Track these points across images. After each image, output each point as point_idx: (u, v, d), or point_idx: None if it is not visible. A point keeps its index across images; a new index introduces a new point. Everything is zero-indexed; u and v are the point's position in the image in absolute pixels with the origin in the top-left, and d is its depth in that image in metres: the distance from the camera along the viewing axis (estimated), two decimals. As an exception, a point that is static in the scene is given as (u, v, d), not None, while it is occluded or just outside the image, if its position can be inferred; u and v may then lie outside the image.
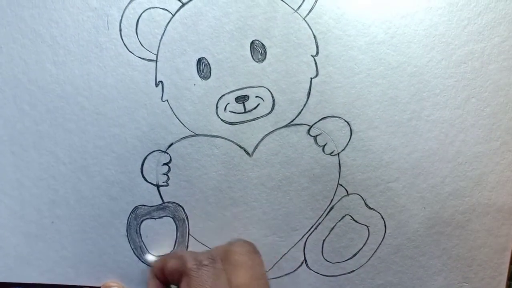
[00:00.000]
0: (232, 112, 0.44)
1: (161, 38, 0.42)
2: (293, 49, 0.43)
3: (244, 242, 0.37)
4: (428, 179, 0.46)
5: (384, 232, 0.46)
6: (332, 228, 0.46)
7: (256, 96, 0.44)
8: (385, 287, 0.47)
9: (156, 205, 0.44)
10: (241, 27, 0.43)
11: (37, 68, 0.42)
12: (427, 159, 0.45)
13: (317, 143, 0.45)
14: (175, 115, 0.43)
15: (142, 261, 0.45)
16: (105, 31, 0.42)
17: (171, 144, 0.44)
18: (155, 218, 0.45)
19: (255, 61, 0.43)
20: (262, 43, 0.43)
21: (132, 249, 0.45)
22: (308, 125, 0.44)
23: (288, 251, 0.46)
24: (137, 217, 0.44)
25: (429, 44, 0.44)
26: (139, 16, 0.42)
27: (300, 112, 0.44)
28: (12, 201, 0.44)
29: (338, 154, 0.45)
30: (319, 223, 0.46)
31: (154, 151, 0.44)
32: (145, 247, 0.45)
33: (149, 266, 0.44)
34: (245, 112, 0.44)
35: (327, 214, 0.46)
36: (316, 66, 0.44)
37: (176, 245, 0.45)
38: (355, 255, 0.47)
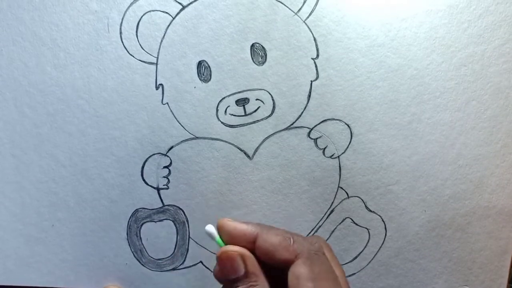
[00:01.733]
0: (232, 115, 0.44)
1: (162, 41, 0.42)
2: (294, 52, 0.43)
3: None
4: (429, 182, 0.46)
5: (384, 235, 0.46)
6: (333, 231, 0.46)
7: (257, 99, 0.43)
8: (385, 290, 0.47)
9: (156, 208, 0.44)
10: (242, 30, 0.43)
11: (38, 71, 0.42)
12: (427, 162, 0.45)
13: (317, 146, 0.45)
14: (175, 118, 0.43)
15: (142, 264, 0.45)
16: (106, 34, 0.42)
17: (172, 147, 0.44)
18: (155, 221, 0.45)
19: (255, 64, 0.43)
20: (262, 46, 0.43)
21: (132, 252, 0.45)
22: (308, 128, 0.44)
23: (289, 254, 0.46)
24: (137, 220, 0.44)
25: (430, 47, 0.44)
26: (140, 19, 0.42)
27: (300, 115, 0.44)
28: (13, 203, 0.44)
29: (339, 156, 0.45)
30: (320, 226, 0.46)
31: (154, 154, 0.44)
32: (145, 250, 0.45)
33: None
34: (246, 115, 0.44)
35: (327, 217, 0.46)
36: (317, 69, 0.44)
37: (176, 248, 0.45)
38: (355, 258, 0.47)
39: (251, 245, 0.33)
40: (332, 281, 0.32)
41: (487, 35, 0.44)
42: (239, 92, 0.43)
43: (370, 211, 0.46)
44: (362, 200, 0.46)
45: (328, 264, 0.33)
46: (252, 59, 0.43)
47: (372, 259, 0.47)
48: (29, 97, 0.42)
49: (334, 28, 0.43)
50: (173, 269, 0.45)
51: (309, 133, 0.44)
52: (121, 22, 0.42)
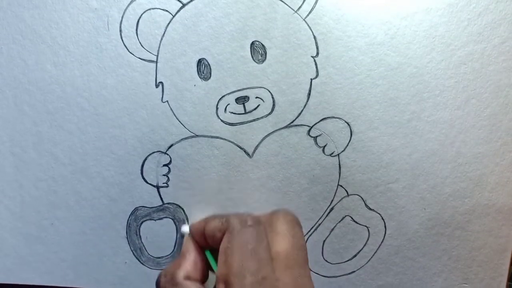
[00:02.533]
0: (232, 113, 0.44)
1: (161, 39, 0.42)
2: (293, 50, 0.43)
3: (288, 212, 0.37)
4: (428, 180, 0.46)
5: (384, 233, 0.46)
6: (332, 229, 0.46)
7: (256, 97, 0.43)
8: (385, 288, 0.47)
9: (156, 207, 0.44)
10: (241, 28, 0.43)
11: (37, 69, 0.42)
12: (427, 160, 0.45)
13: (317, 144, 0.45)
14: (175, 116, 0.43)
15: (141, 262, 0.45)
16: (105, 32, 0.42)
17: (171, 145, 0.44)
18: (155, 220, 0.45)
19: (255, 62, 0.43)
20: (262, 44, 0.43)
21: (132, 250, 0.45)
22: (308, 126, 0.44)
23: (288, 252, 0.46)
24: (137, 219, 0.44)
25: (429, 45, 0.44)
26: (139, 17, 0.42)
27: (300, 113, 0.44)
28: (12, 202, 0.43)
29: (338, 155, 0.45)
30: (319, 224, 0.46)
31: (154, 152, 0.44)
32: (145, 248, 0.45)
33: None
34: (245, 113, 0.44)
35: (327, 215, 0.46)
36: (316, 67, 0.44)
37: (176, 247, 0.45)
38: (355, 256, 0.47)
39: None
40: (250, 252, 0.33)
41: (486, 33, 0.44)
42: (239, 90, 0.43)
43: (370, 209, 0.46)
44: (362, 198, 0.46)
45: (250, 236, 0.33)
46: (252, 57, 0.43)
47: (372, 257, 0.47)
48: (28, 95, 0.42)
49: (334, 26, 0.43)
50: (173, 267, 0.45)
51: (309, 131, 0.44)
52: (121, 20, 0.42)
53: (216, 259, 0.35)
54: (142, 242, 0.45)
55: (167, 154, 0.44)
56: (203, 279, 0.38)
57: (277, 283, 0.32)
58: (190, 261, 0.38)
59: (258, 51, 0.43)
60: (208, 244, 0.38)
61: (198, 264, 0.38)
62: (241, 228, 0.34)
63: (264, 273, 0.32)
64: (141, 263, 0.45)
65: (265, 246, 0.34)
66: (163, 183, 0.44)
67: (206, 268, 0.38)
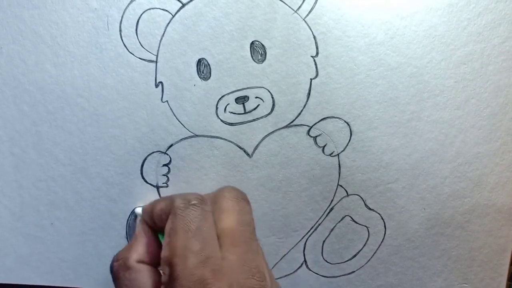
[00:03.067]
0: (232, 113, 0.44)
1: (161, 39, 0.42)
2: (293, 50, 0.43)
3: (232, 188, 0.37)
4: (428, 180, 0.46)
5: (384, 233, 0.46)
6: (332, 229, 0.46)
7: (256, 97, 0.43)
8: (385, 288, 0.47)
9: (156, 206, 0.44)
10: (241, 28, 0.43)
11: (37, 69, 0.42)
12: (427, 160, 0.45)
13: (317, 144, 0.45)
14: (175, 116, 0.43)
15: (141, 262, 0.45)
16: (105, 32, 0.42)
17: (171, 145, 0.44)
18: (154, 219, 0.45)
19: (255, 61, 0.43)
20: (262, 44, 0.43)
21: (132, 250, 0.45)
22: (308, 126, 0.44)
23: (288, 252, 0.46)
24: (137, 219, 0.44)
25: (429, 45, 0.44)
26: (139, 17, 0.42)
27: (300, 113, 0.44)
28: (12, 202, 0.43)
29: (338, 155, 0.45)
30: (319, 224, 0.46)
31: (153, 152, 0.44)
32: (145, 248, 0.45)
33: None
34: (245, 113, 0.44)
35: (327, 215, 0.46)
36: (316, 67, 0.44)
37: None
38: (355, 256, 0.47)
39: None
40: (193, 231, 0.32)
41: (486, 33, 0.44)
42: (239, 90, 0.43)
43: (370, 209, 0.46)
44: (362, 198, 0.46)
45: (193, 215, 0.33)
46: (252, 57, 0.43)
47: (372, 257, 0.47)
48: (28, 95, 0.42)
49: (334, 26, 0.43)
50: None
51: (308, 131, 0.44)
52: (121, 20, 0.42)
53: None
54: (142, 242, 0.45)
55: (167, 154, 0.44)
56: (157, 263, 0.37)
57: (222, 261, 0.31)
58: (142, 244, 0.37)
59: (258, 51, 0.43)
60: (158, 226, 0.37)
61: (151, 247, 0.37)
62: (184, 208, 0.34)
63: (208, 252, 0.31)
64: (141, 263, 0.45)
65: (210, 224, 0.33)
66: (163, 183, 0.44)
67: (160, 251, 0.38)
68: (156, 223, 0.37)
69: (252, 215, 0.36)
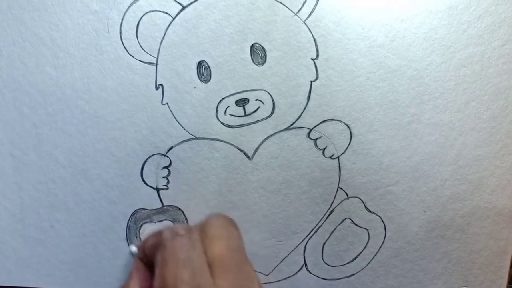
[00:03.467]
0: (232, 115, 0.44)
1: (161, 41, 0.42)
2: (293, 52, 0.43)
3: (220, 216, 0.37)
4: (428, 182, 0.46)
5: (384, 235, 0.46)
6: (332, 232, 0.46)
7: (256, 99, 0.43)
8: (385, 291, 0.47)
9: (156, 209, 0.44)
10: (241, 31, 0.43)
11: (37, 71, 0.42)
12: (427, 162, 0.45)
13: (317, 146, 0.45)
14: (175, 118, 0.43)
15: (141, 264, 0.45)
16: (105, 34, 0.42)
17: (171, 148, 0.44)
18: (155, 222, 0.45)
19: (255, 64, 0.43)
20: (262, 46, 0.43)
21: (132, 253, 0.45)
22: (308, 128, 0.44)
23: (288, 254, 0.46)
24: (136, 221, 0.44)
25: (429, 48, 0.44)
26: (140, 19, 0.42)
27: (300, 115, 0.44)
28: (12, 204, 0.43)
29: (338, 157, 0.45)
30: (319, 227, 0.46)
31: (154, 154, 0.44)
32: (145, 250, 0.45)
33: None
34: (245, 115, 0.44)
35: (327, 218, 0.46)
36: (316, 69, 0.44)
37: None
38: (355, 258, 0.47)
39: None
40: (182, 261, 0.32)
41: (486, 36, 0.44)
42: (239, 92, 0.43)
43: (370, 211, 0.46)
44: (362, 201, 0.46)
45: (181, 245, 0.33)
46: (252, 59, 0.43)
47: (372, 259, 0.47)
48: (28, 97, 0.42)
49: (334, 28, 0.43)
50: (173, 269, 0.45)
51: (308, 133, 0.44)
52: (121, 22, 0.42)
53: None
54: (141, 245, 0.45)
55: (167, 157, 0.44)
56: None
57: None
58: (137, 282, 0.37)
59: (258, 53, 0.43)
60: (151, 261, 0.37)
61: (146, 282, 0.37)
62: (172, 238, 0.34)
63: (199, 280, 0.31)
64: (141, 265, 0.45)
65: (199, 253, 0.33)
66: (163, 185, 0.44)
67: None
68: (149, 258, 0.37)
69: (242, 240, 0.36)
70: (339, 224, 0.46)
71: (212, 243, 0.34)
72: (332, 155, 0.45)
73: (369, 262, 0.47)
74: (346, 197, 0.46)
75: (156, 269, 0.33)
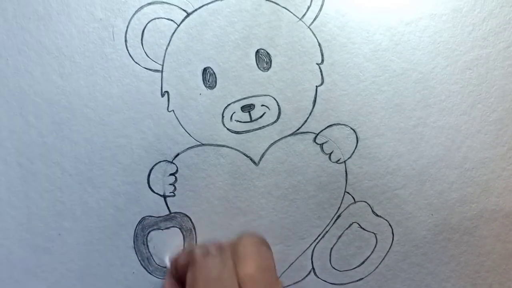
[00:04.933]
0: (238, 121, 0.44)
1: (167, 48, 0.42)
2: (298, 57, 0.43)
3: (252, 234, 0.37)
4: (435, 185, 0.46)
5: (391, 239, 0.46)
6: (340, 236, 0.46)
7: (262, 105, 0.44)
8: (393, 295, 0.47)
9: (163, 216, 0.44)
10: (246, 36, 0.43)
11: (43, 80, 0.42)
12: (433, 165, 0.45)
13: (323, 151, 0.45)
14: (181, 125, 0.43)
15: (149, 272, 0.45)
16: (111, 42, 0.42)
17: (178, 154, 0.44)
18: (162, 229, 0.44)
19: (260, 70, 0.43)
20: (267, 52, 0.43)
21: (139, 260, 0.44)
22: (314, 133, 0.44)
23: (296, 259, 0.46)
24: (144, 228, 0.44)
25: (434, 51, 0.44)
26: (144, 27, 0.42)
27: (306, 120, 0.44)
28: (19, 213, 0.43)
29: (345, 161, 0.45)
30: (327, 231, 0.46)
31: (160, 161, 0.44)
32: (152, 258, 0.45)
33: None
34: (251, 121, 0.44)
35: (334, 222, 0.46)
36: (321, 74, 0.44)
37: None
38: (363, 263, 0.47)
39: None
40: (214, 281, 0.32)
41: (491, 38, 0.44)
42: (245, 98, 0.43)
43: (377, 215, 0.46)
44: (369, 205, 0.46)
45: (213, 264, 0.33)
46: (257, 65, 0.43)
47: (380, 263, 0.47)
48: (34, 106, 0.42)
49: (339, 33, 0.43)
50: (180, 276, 0.45)
51: (315, 138, 0.44)
52: (126, 30, 0.42)
53: None
54: (149, 252, 0.45)
55: (174, 163, 0.44)
56: None
57: None
58: None
59: (263, 59, 0.43)
60: (183, 279, 0.37)
61: None
62: (203, 257, 0.34)
63: None
64: (149, 272, 0.45)
65: (230, 272, 0.33)
66: (170, 192, 0.44)
67: None
68: (180, 275, 0.37)
69: (273, 260, 0.36)
70: (347, 228, 0.46)
71: (244, 263, 0.34)
72: (338, 160, 0.45)
73: (377, 266, 0.47)
74: (353, 201, 0.46)
75: None
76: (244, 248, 0.35)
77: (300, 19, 0.43)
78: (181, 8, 0.42)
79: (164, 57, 0.42)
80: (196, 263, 0.34)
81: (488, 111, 0.45)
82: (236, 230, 0.45)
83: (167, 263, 0.43)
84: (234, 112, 0.43)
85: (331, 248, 0.46)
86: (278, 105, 0.44)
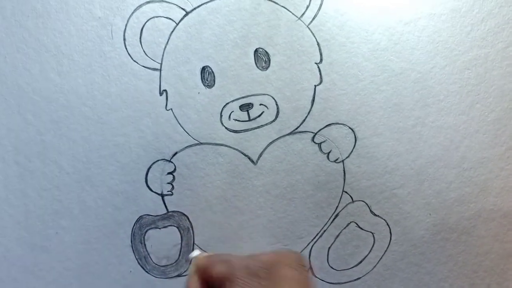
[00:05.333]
0: (236, 120, 0.44)
1: (165, 47, 0.42)
2: (297, 56, 0.43)
3: (292, 254, 0.37)
4: (433, 185, 0.46)
5: (389, 239, 0.46)
6: (338, 236, 0.46)
7: (260, 104, 0.43)
8: (391, 295, 0.47)
9: (161, 215, 0.44)
10: (245, 35, 0.43)
11: (41, 78, 0.42)
12: (432, 165, 0.45)
13: (321, 150, 0.45)
14: (180, 124, 0.43)
15: (146, 271, 0.45)
16: (109, 41, 0.42)
17: (176, 153, 0.43)
18: (159, 228, 0.44)
19: (259, 69, 0.43)
20: (266, 51, 0.43)
21: (137, 259, 0.44)
22: (312, 132, 0.44)
23: (294, 259, 0.46)
24: (141, 227, 0.44)
25: (433, 51, 0.44)
26: (143, 25, 0.42)
27: (304, 120, 0.44)
28: (17, 211, 0.43)
29: (343, 161, 0.45)
30: (324, 231, 0.46)
31: (158, 160, 0.43)
32: (150, 257, 0.45)
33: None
34: (250, 120, 0.44)
35: (332, 222, 0.46)
36: (320, 73, 0.44)
37: (181, 255, 0.45)
38: (360, 262, 0.47)
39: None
40: None
41: (490, 38, 0.44)
42: (243, 97, 0.43)
43: (375, 215, 0.46)
44: (367, 204, 0.46)
45: (252, 285, 0.33)
46: (256, 64, 0.43)
47: (377, 263, 0.47)
48: (33, 104, 0.42)
49: (337, 32, 0.43)
50: (178, 275, 0.45)
51: (313, 137, 0.44)
52: (125, 28, 0.42)
53: None
54: (147, 251, 0.45)
55: (172, 162, 0.44)
56: None
57: None
58: None
59: (262, 58, 0.43)
60: (212, 282, 0.37)
61: None
62: (244, 277, 0.34)
63: None
64: (146, 271, 0.44)
65: None
66: (168, 191, 0.44)
67: None
68: (210, 281, 0.36)
69: (311, 280, 0.36)
70: (344, 228, 0.46)
71: (282, 284, 0.34)
72: (336, 159, 0.45)
73: (374, 266, 0.47)
74: (351, 200, 0.45)
75: None
76: (284, 270, 0.35)
77: (299, 18, 0.43)
78: (180, 7, 0.42)
79: (163, 55, 0.42)
80: (237, 282, 0.33)
81: (487, 111, 0.45)
82: (234, 229, 0.45)
83: (193, 255, 0.41)
84: (233, 111, 0.43)
85: (329, 248, 0.46)
86: (277, 104, 0.44)
